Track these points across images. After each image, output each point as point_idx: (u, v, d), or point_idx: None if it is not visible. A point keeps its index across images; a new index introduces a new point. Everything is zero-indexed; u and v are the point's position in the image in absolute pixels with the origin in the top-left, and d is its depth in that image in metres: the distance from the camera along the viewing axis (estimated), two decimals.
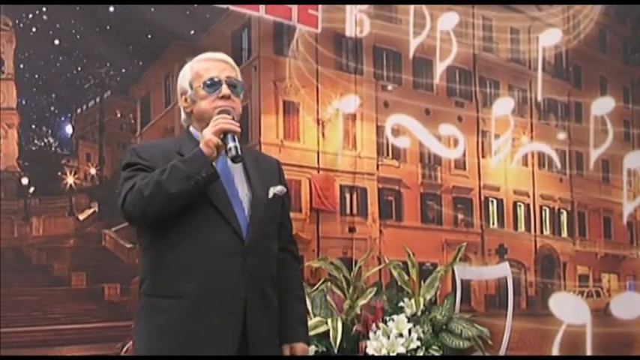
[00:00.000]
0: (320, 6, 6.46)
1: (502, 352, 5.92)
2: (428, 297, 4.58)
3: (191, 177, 2.82)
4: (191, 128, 3.14)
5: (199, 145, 2.88)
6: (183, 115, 3.18)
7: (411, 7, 7.02)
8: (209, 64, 3.10)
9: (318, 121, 6.61)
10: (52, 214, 5.63)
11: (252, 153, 3.03)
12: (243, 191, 3.04)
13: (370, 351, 4.25)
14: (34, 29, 5.51)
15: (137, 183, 2.87)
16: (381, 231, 6.78)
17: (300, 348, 3.22)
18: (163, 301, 2.93)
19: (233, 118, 2.95)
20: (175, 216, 2.90)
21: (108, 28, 5.78)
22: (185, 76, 3.14)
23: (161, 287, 2.95)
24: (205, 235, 2.93)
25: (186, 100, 3.12)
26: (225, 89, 3.05)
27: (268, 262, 3.09)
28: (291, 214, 3.35)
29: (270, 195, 3.09)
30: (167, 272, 2.94)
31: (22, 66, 5.53)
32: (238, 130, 2.92)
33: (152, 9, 5.83)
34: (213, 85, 3.05)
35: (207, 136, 2.87)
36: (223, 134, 2.88)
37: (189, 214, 2.91)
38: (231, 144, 2.87)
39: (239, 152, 2.87)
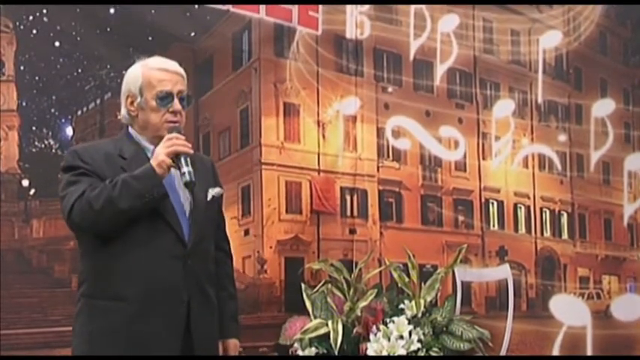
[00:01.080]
0: (320, 8, 6.46)
1: (503, 354, 5.92)
2: (428, 299, 4.56)
3: (142, 196, 2.86)
4: (131, 129, 3.15)
5: (151, 162, 2.90)
6: (124, 114, 3.16)
7: (412, 8, 7.02)
8: (163, 76, 3.09)
9: (318, 122, 6.61)
10: (52, 215, 5.63)
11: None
12: (184, 195, 3.08)
13: (371, 353, 4.24)
14: (34, 31, 5.52)
15: (86, 193, 2.88)
16: (381, 233, 6.78)
17: (232, 344, 3.34)
18: (105, 303, 2.97)
19: (185, 138, 2.98)
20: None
21: (108, 29, 5.78)
22: (135, 79, 3.12)
23: (103, 289, 2.98)
24: (149, 239, 2.97)
25: (132, 103, 3.11)
26: (177, 105, 3.06)
27: (208, 262, 3.16)
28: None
29: (209, 197, 3.14)
30: (109, 275, 2.97)
31: (22, 68, 5.53)
32: (191, 151, 2.95)
33: (152, 10, 5.84)
34: (164, 98, 3.05)
35: (160, 156, 2.90)
36: (176, 155, 2.92)
37: (132, 219, 2.94)
38: (185, 169, 2.92)
39: (193, 178, 2.92)
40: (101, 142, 3.37)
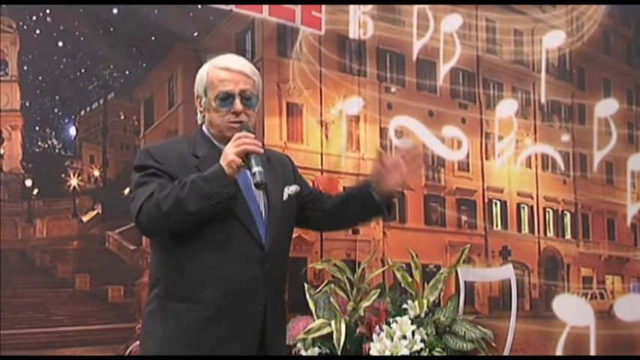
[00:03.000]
0: (323, 8, 6.46)
1: (506, 354, 5.92)
2: (431, 299, 4.58)
3: (212, 197, 2.78)
4: (204, 128, 3.10)
5: (220, 162, 2.82)
6: (198, 115, 3.13)
7: (415, 9, 7.02)
8: (225, 75, 3.01)
9: (321, 122, 6.61)
10: (55, 215, 5.64)
11: (264, 153, 2.94)
12: (259, 195, 3.00)
13: (374, 353, 4.25)
14: (37, 31, 5.52)
15: (155, 195, 2.81)
16: (384, 233, 6.77)
17: None
18: (181, 305, 2.89)
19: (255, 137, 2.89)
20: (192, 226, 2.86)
21: (111, 29, 5.78)
22: (202, 80, 3.07)
23: (178, 291, 2.91)
24: (225, 242, 2.89)
25: (200, 103, 3.08)
26: (237, 105, 2.97)
27: (283, 264, 3.09)
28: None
29: (285, 197, 3.07)
30: (185, 277, 2.90)
31: (25, 68, 5.53)
32: (261, 151, 2.86)
33: (156, 11, 5.84)
34: (225, 99, 2.98)
35: (230, 156, 2.80)
36: (246, 155, 2.82)
37: (207, 220, 2.86)
38: (255, 169, 2.82)
39: (263, 179, 2.81)
40: (174, 141, 3.30)
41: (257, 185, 2.84)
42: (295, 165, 3.31)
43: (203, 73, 3.08)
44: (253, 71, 3.09)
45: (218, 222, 2.87)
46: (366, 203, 3.21)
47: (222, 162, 2.82)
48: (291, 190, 3.08)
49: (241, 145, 2.83)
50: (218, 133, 3.02)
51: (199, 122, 3.14)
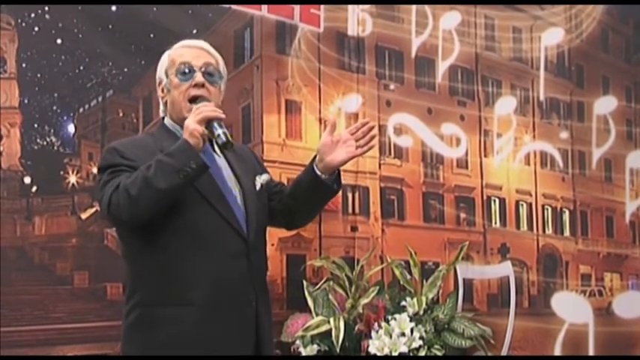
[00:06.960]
0: (322, 5, 6.46)
1: (505, 352, 5.93)
2: (430, 296, 4.57)
3: (180, 170, 2.65)
4: (167, 120, 3.03)
5: (183, 136, 2.73)
6: (161, 106, 3.06)
7: (414, 6, 7.01)
8: (184, 51, 2.99)
9: (320, 120, 6.60)
10: (54, 213, 5.63)
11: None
12: (233, 186, 2.94)
13: (372, 350, 4.25)
14: (36, 28, 5.51)
15: (122, 182, 2.70)
16: (383, 230, 6.77)
17: None
18: (171, 310, 2.78)
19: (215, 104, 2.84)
20: (168, 216, 2.75)
21: (110, 27, 5.78)
22: (162, 64, 3.04)
23: (165, 295, 2.79)
24: (208, 237, 2.81)
25: (162, 89, 3.01)
26: (199, 77, 2.91)
27: (265, 256, 3.05)
28: None
29: (258, 187, 3.02)
30: (171, 279, 2.79)
31: (24, 65, 5.52)
32: (223, 116, 2.77)
33: (154, 8, 5.83)
34: (186, 72, 2.92)
35: (191, 126, 2.71)
36: (208, 122, 2.74)
37: (185, 214, 2.78)
38: (219, 130, 2.73)
39: (229, 138, 2.73)
40: (138, 138, 3.21)
41: (223, 145, 2.75)
42: (257, 154, 3.27)
43: (164, 58, 3.05)
44: (215, 52, 3.05)
45: (197, 216, 2.79)
46: (313, 183, 3.14)
47: (185, 134, 2.73)
48: (262, 178, 3.02)
49: (200, 113, 2.74)
50: (179, 115, 2.93)
51: (162, 115, 3.07)
